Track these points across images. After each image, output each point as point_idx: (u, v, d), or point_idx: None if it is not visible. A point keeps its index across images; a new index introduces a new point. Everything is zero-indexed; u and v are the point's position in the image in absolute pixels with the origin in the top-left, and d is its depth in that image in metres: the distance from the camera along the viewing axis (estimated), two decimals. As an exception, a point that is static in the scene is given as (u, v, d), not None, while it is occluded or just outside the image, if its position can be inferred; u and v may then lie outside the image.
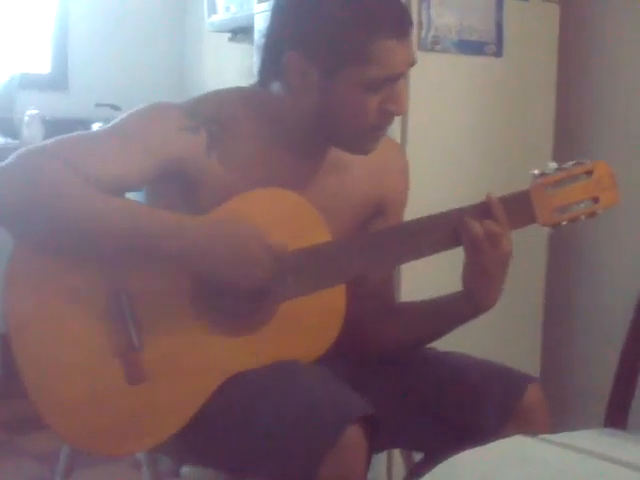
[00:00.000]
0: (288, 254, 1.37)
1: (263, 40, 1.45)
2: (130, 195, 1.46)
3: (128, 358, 1.34)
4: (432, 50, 2.28)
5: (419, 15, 2.24)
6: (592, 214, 1.45)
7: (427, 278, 1.96)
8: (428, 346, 1.57)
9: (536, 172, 1.44)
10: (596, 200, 1.44)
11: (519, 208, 1.42)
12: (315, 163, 1.48)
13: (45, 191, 1.29)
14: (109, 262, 1.34)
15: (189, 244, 1.32)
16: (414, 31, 2.21)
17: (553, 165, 1.44)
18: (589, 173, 1.44)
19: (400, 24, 1.35)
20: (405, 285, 2.08)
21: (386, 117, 1.39)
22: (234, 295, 1.37)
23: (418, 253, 1.43)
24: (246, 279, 1.34)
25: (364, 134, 1.41)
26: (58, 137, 1.37)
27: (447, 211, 1.42)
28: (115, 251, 1.32)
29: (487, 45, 2.37)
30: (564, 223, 1.44)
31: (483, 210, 1.40)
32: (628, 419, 1.49)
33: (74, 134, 1.40)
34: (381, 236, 1.46)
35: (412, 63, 1.39)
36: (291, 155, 1.45)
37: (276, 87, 1.44)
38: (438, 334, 1.53)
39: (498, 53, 2.39)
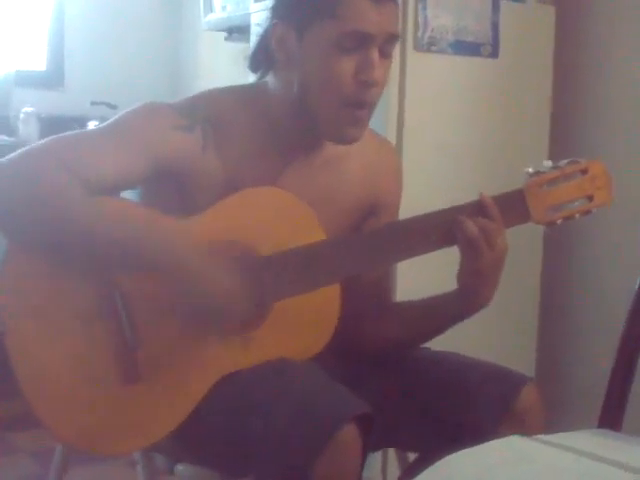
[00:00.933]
0: (285, 250, 1.37)
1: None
2: (125, 193, 1.46)
3: (123, 357, 1.34)
4: (428, 51, 2.28)
5: (415, 16, 2.25)
6: (586, 212, 1.45)
7: (423, 277, 1.96)
8: (424, 346, 1.57)
9: (530, 170, 1.44)
10: (590, 198, 1.44)
11: (513, 206, 1.42)
12: (309, 162, 1.48)
13: (39, 191, 1.28)
14: (101, 263, 1.34)
15: (179, 266, 1.32)
16: (410, 30, 2.22)
17: (548, 163, 1.45)
18: (584, 172, 1.44)
19: None
20: (401, 284, 2.08)
21: (361, 88, 1.36)
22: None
23: (412, 252, 1.43)
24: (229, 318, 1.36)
25: (339, 109, 1.38)
26: (53, 136, 1.36)
27: (441, 210, 1.42)
28: (106, 256, 1.32)
29: (483, 46, 2.38)
30: (559, 221, 1.44)
31: (478, 209, 1.40)
32: (623, 420, 1.49)
33: (69, 133, 1.40)
34: (375, 235, 1.46)
35: (389, 32, 1.37)
36: (285, 154, 1.45)
37: (270, 80, 1.45)
38: (434, 333, 1.53)
39: (494, 54, 2.40)
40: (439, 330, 1.52)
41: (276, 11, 1.42)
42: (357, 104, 1.38)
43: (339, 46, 1.34)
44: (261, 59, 1.48)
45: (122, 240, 1.30)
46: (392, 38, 1.38)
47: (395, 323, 1.56)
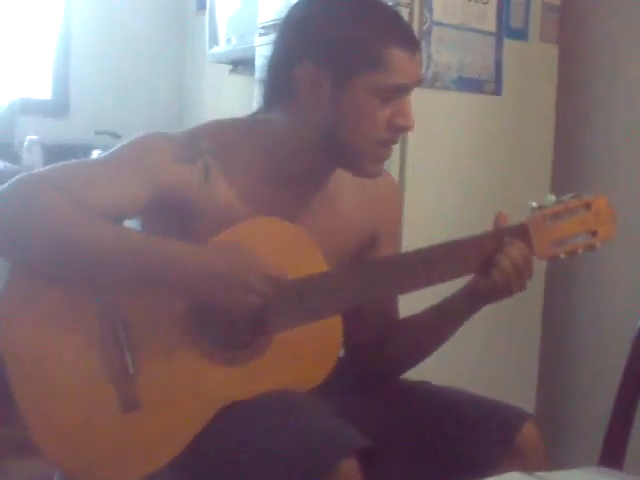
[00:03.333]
0: (287, 282, 1.37)
1: (268, 62, 1.47)
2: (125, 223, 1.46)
3: (122, 385, 1.33)
4: (432, 87, 2.29)
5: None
6: (591, 247, 1.45)
7: (419, 299, 1.95)
8: (424, 381, 1.56)
9: (534, 205, 1.45)
10: (594, 234, 1.44)
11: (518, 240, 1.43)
12: (310, 194, 1.49)
13: (40, 218, 1.29)
14: (104, 288, 1.34)
15: (184, 270, 1.32)
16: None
17: (551, 198, 1.45)
18: (587, 206, 1.44)
19: (411, 38, 1.40)
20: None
21: (394, 132, 1.40)
22: (229, 321, 1.36)
23: (413, 285, 1.43)
24: (238, 304, 1.34)
25: (371, 149, 1.41)
26: (55, 165, 1.38)
27: (446, 243, 1.43)
28: (110, 277, 1.33)
29: (486, 83, 2.39)
30: (562, 256, 1.45)
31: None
32: (624, 459, 1.48)
33: (71, 162, 1.42)
34: (377, 266, 1.47)
35: (421, 80, 1.43)
36: (287, 186, 1.46)
37: (278, 114, 1.46)
38: (442, 339, 1.54)
39: (497, 91, 2.41)
40: (449, 332, 1.53)
41: (307, 50, 1.39)
42: (387, 145, 1.42)
43: (381, 96, 1.37)
44: (277, 92, 1.47)
45: (123, 255, 1.30)
46: (419, 83, 1.43)
47: (404, 338, 1.56)
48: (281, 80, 1.43)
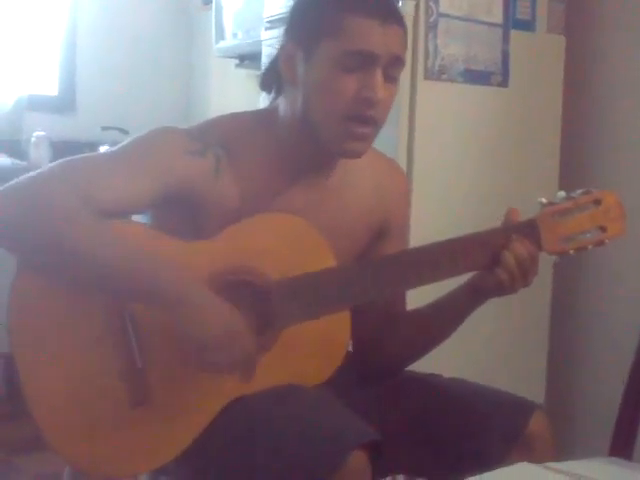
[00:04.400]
0: (295, 277, 1.37)
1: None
2: (134, 217, 1.46)
3: (130, 379, 1.34)
4: (438, 79, 2.29)
5: (426, 44, 2.26)
6: (600, 243, 1.45)
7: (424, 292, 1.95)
8: (433, 373, 1.57)
9: (544, 200, 1.45)
10: (604, 229, 1.44)
11: (526, 236, 1.42)
12: (320, 186, 1.49)
13: (49, 216, 1.28)
14: (108, 292, 1.34)
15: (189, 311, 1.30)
16: (420, 59, 2.23)
17: (561, 194, 1.45)
18: (597, 202, 1.44)
19: (380, 7, 1.37)
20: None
21: (361, 105, 1.37)
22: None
23: (419, 280, 1.43)
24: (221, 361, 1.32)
25: (339, 124, 1.38)
26: (65, 160, 1.37)
27: (452, 239, 1.43)
28: (113, 286, 1.32)
29: (493, 75, 2.39)
30: (571, 252, 1.44)
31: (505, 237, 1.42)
32: (634, 449, 1.48)
33: (81, 157, 1.41)
34: (385, 262, 1.46)
35: (393, 53, 1.38)
36: (296, 178, 1.46)
37: (280, 103, 1.47)
38: (448, 331, 1.54)
39: (504, 83, 2.41)
40: (451, 327, 1.53)
41: (287, 32, 1.44)
42: (358, 119, 1.38)
43: (343, 65, 1.35)
44: (272, 80, 1.51)
45: (128, 270, 1.29)
46: (397, 61, 1.39)
47: (410, 330, 1.56)
48: (275, 68, 1.46)
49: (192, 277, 1.33)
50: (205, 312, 1.29)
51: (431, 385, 1.54)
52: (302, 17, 1.43)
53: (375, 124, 1.40)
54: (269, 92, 1.53)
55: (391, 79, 1.39)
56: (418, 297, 1.51)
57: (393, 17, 1.38)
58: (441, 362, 1.62)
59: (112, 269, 1.29)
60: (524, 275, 1.42)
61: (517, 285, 1.42)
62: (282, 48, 1.43)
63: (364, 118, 1.38)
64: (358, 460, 1.24)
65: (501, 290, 1.44)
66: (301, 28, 1.42)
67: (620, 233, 1.44)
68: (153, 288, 1.30)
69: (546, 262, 1.46)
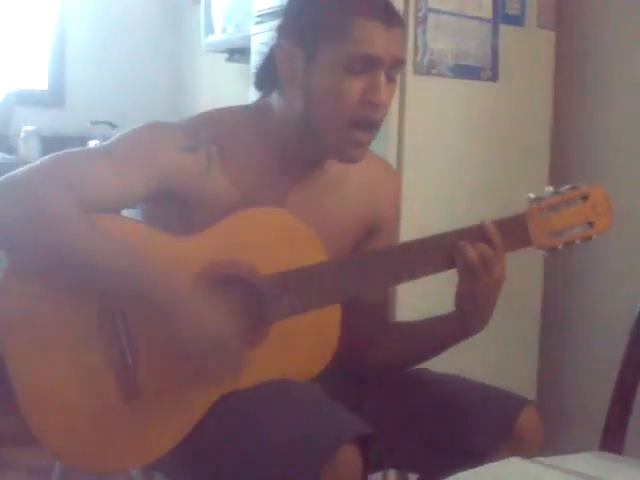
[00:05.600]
0: (286, 271, 1.37)
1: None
2: (126, 211, 1.46)
3: (122, 373, 1.34)
4: (428, 74, 2.29)
5: (415, 39, 2.26)
6: (587, 238, 1.46)
7: (423, 298, 1.96)
8: (423, 367, 1.57)
9: (532, 196, 1.45)
10: (591, 225, 1.45)
11: (514, 231, 1.43)
12: (311, 182, 1.49)
13: (41, 213, 1.28)
14: (98, 290, 1.34)
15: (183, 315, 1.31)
16: (409, 54, 2.23)
17: (549, 189, 1.46)
18: (585, 197, 1.45)
19: (384, 10, 1.38)
20: (401, 304, 2.08)
21: (366, 109, 1.37)
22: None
23: (412, 274, 1.43)
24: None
25: (345, 128, 1.38)
26: (56, 155, 1.36)
27: (441, 233, 1.43)
28: (103, 285, 1.32)
29: (483, 70, 2.39)
30: (560, 247, 1.45)
31: (479, 234, 1.41)
32: (624, 443, 1.49)
33: (72, 152, 1.40)
34: (375, 257, 1.47)
35: (396, 56, 1.39)
36: (287, 173, 1.46)
37: (274, 100, 1.46)
38: (431, 354, 1.53)
39: (494, 78, 2.41)
40: (436, 351, 1.52)
41: (283, 31, 1.43)
42: (362, 125, 1.39)
43: (348, 68, 1.35)
44: (266, 78, 1.49)
45: (119, 274, 1.30)
46: (398, 62, 1.40)
47: (394, 342, 1.56)
48: (269, 65, 1.45)
49: (179, 278, 1.33)
50: (189, 321, 1.30)
51: (422, 380, 1.54)
52: (301, 16, 1.42)
53: (377, 129, 1.42)
54: (262, 90, 1.52)
55: (391, 79, 1.40)
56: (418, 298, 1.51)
57: (396, 19, 1.39)
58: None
59: (105, 269, 1.29)
60: (487, 269, 1.39)
61: (483, 278, 1.40)
62: (280, 47, 1.41)
63: (369, 123, 1.39)
64: (349, 454, 1.24)
65: (471, 285, 1.41)
66: (300, 28, 1.40)
67: (607, 228, 1.45)
68: (142, 293, 1.30)
69: (537, 258, 1.46)
